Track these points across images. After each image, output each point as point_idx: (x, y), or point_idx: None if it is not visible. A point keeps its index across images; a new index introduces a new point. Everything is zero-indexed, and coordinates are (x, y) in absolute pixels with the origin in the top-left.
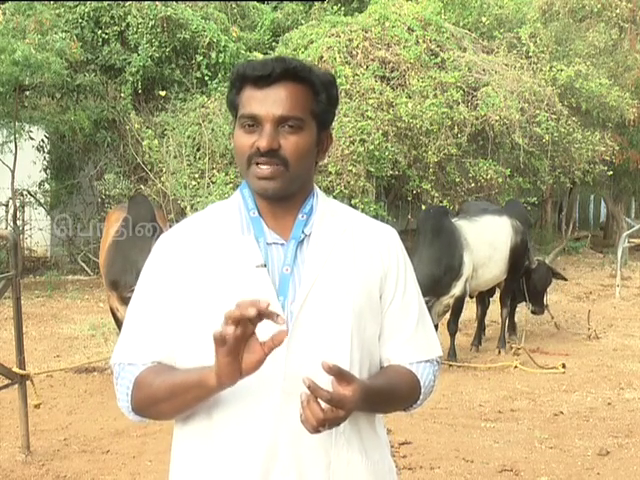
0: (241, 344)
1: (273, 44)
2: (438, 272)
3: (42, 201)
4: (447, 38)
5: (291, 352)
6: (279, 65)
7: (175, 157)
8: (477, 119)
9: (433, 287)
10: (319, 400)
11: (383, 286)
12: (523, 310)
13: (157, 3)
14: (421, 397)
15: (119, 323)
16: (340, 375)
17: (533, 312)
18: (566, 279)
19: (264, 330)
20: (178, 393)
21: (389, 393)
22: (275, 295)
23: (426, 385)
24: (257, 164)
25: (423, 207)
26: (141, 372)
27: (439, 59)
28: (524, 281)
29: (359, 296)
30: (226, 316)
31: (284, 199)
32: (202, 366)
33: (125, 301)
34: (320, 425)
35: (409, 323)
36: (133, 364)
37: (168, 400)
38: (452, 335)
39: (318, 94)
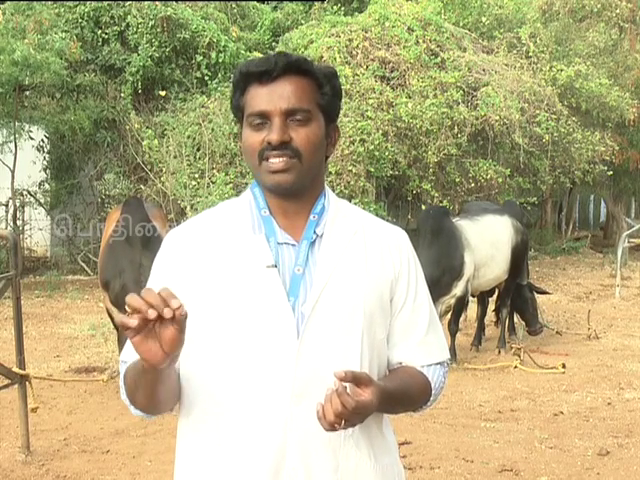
0: (145, 325)
1: (273, 44)
2: (438, 272)
3: (42, 201)
4: (447, 38)
5: (302, 354)
6: (281, 59)
7: (175, 157)
8: (477, 119)
9: (433, 287)
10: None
11: (394, 289)
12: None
13: (157, 3)
14: (431, 399)
15: (115, 323)
16: (356, 380)
17: (529, 333)
18: (550, 293)
19: (270, 336)
20: (137, 380)
21: (402, 395)
22: (285, 296)
23: (436, 387)
24: (268, 159)
25: (423, 207)
26: (127, 366)
27: (439, 59)
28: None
29: (370, 298)
30: (127, 302)
31: (296, 196)
32: None
33: (115, 303)
34: (337, 422)
35: (421, 326)
36: (126, 362)
37: (137, 388)
38: (453, 335)
39: (322, 86)
